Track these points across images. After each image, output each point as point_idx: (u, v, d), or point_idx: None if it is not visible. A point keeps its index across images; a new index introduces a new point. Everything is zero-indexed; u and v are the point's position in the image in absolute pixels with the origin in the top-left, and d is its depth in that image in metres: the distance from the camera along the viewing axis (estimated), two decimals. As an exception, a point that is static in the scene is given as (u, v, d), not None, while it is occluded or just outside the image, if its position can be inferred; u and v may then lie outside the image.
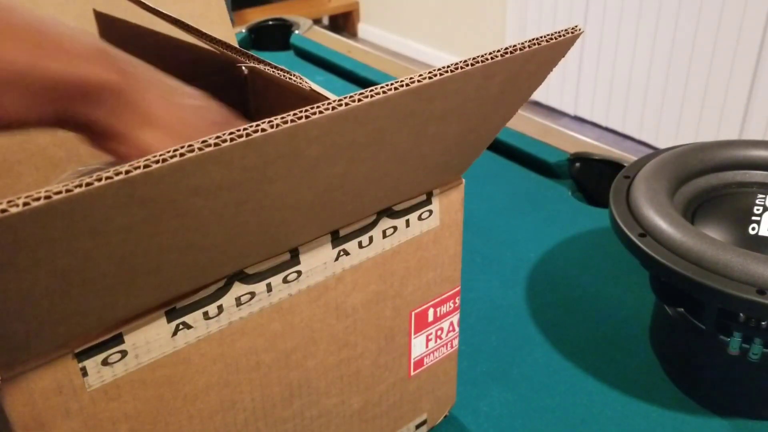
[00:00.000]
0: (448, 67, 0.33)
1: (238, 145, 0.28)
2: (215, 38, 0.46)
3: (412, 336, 0.48)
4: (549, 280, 0.70)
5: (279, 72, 0.42)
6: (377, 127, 0.33)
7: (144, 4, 0.52)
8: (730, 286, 0.46)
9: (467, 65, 0.34)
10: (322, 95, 0.41)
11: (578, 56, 2.73)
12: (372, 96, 0.31)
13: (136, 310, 0.33)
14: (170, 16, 0.49)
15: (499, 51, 0.35)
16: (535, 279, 0.70)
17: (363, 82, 1.15)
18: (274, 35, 1.35)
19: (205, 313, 0.36)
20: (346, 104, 0.30)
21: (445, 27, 3.51)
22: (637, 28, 2.51)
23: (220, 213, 0.31)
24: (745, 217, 0.57)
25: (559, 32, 0.37)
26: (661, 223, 0.51)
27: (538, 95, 2.90)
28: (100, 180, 0.25)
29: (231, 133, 0.27)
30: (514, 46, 0.35)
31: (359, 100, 0.31)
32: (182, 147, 0.26)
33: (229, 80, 0.57)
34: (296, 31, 1.33)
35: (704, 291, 0.47)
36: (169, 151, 0.26)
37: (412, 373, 0.50)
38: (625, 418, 0.54)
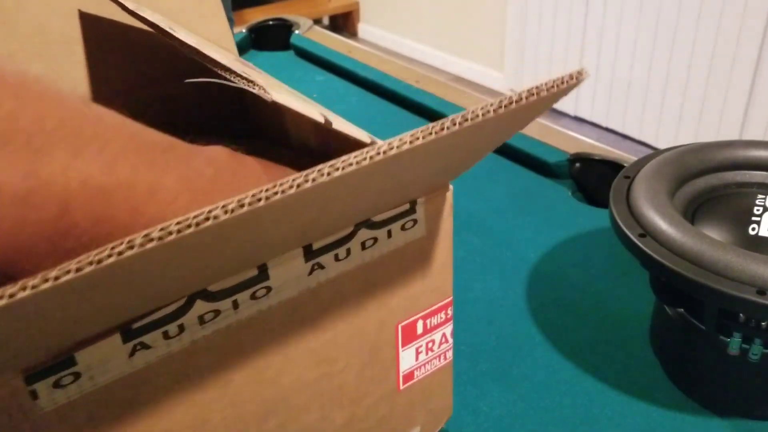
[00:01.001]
0: (434, 128, 0.31)
1: (198, 231, 0.26)
2: (185, 42, 0.43)
3: (400, 349, 0.46)
4: (549, 280, 0.70)
5: (243, 82, 0.39)
6: (349, 191, 0.32)
7: (123, 5, 0.50)
8: (730, 286, 0.46)
9: (455, 124, 0.31)
10: (284, 106, 0.38)
11: (578, 56, 2.73)
12: (342, 168, 0.28)
13: (88, 332, 0.31)
14: (148, 20, 0.47)
15: (492, 105, 0.32)
16: (535, 279, 0.70)
17: (363, 83, 1.15)
18: (274, 35, 1.35)
19: (165, 333, 0.34)
20: (313, 179, 0.28)
21: (445, 27, 3.51)
22: (638, 28, 2.51)
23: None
24: (745, 218, 0.57)
25: (561, 79, 0.34)
26: (661, 223, 0.51)
27: (538, 95, 2.90)
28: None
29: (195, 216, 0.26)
30: (510, 99, 0.33)
31: (328, 173, 0.28)
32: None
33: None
34: (296, 31, 1.33)
35: (704, 291, 0.47)
36: None
37: (402, 387, 0.48)
38: (625, 418, 0.54)
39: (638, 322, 0.63)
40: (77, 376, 0.32)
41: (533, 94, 0.33)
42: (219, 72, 0.41)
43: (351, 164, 0.29)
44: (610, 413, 0.54)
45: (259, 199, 0.27)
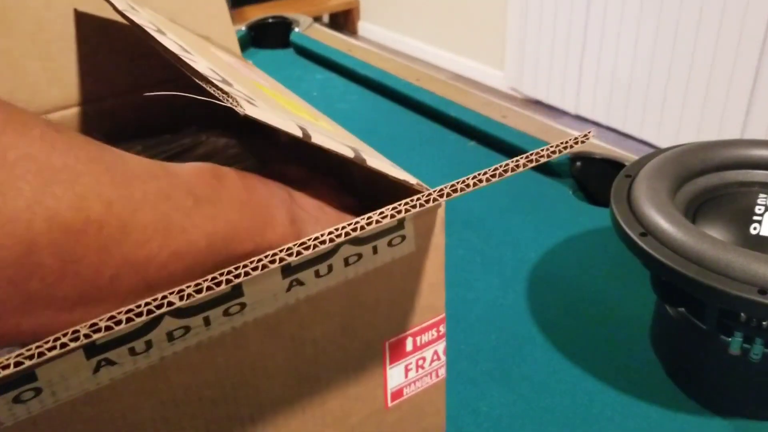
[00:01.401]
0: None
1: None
2: (168, 49, 0.41)
3: (388, 367, 0.44)
4: (549, 279, 0.70)
5: (218, 93, 0.37)
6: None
7: (114, 5, 0.49)
8: (732, 285, 0.46)
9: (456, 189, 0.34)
10: (258, 120, 0.36)
11: (579, 55, 2.72)
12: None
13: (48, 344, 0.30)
14: (135, 22, 0.45)
15: (497, 169, 0.34)
16: (536, 278, 0.70)
17: (363, 81, 1.15)
18: (273, 33, 1.34)
19: (131, 349, 0.32)
20: (263, 267, 0.30)
21: (445, 25, 3.51)
22: (639, 27, 2.50)
23: None
24: (747, 217, 0.56)
25: (566, 142, 0.35)
26: (662, 222, 0.51)
27: (538, 94, 2.89)
28: None
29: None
30: (506, 165, 0.35)
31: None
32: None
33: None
34: (296, 29, 1.33)
35: (705, 291, 0.47)
36: None
37: (390, 404, 0.46)
38: (626, 418, 0.54)
39: (639, 321, 0.63)
40: (38, 391, 0.31)
41: (532, 161, 0.34)
42: (198, 81, 0.39)
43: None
44: (611, 413, 0.54)
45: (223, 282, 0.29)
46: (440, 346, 0.46)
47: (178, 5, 0.61)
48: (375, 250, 0.38)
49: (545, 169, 0.89)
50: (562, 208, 0.81)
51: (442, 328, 0.46)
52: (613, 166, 0.84)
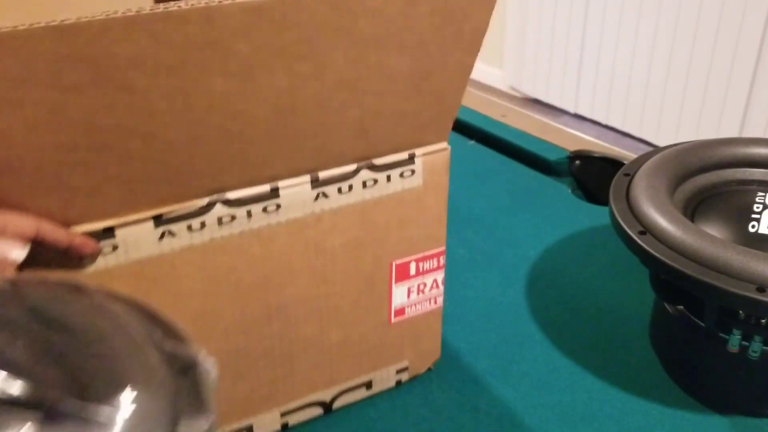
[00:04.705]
0: None
1: (159, 15, 0.31)
2: None
3: (393, 285, 0.51)
4: (549, 277, 0.70)
5: None
6: (304, 36, 0.36)
7: None
8: (730, 283, 0.46)
9: None
10: None
11: (578, 54, 2.72)
12: None
13: (122, 205, 0.39)
14: None
15: None
16: (535, 277, 0.70)
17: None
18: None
19: (189, 226, 0.41)
20: None
21: (445, 24, 3.49)
22: (638, 26, 2.50)
23: (168, 98, 0.35)
24: (745, 215, 0.56)
25: None
26: (661, 220, 0.51)
27: (538, 93, 2.90)
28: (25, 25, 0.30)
29: (151, 8, 0.32)
30: None
31: None
32: (105, 13, 0.31)
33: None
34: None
35: (704, 288, 0.47)
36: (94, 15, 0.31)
37: (393, 320, 0.53)
38: (625, 415, 0.54)
39: (638, 319, 0.63)
40: (115, 247, 0.40)
41: None
42: None
43: None
44: (610, 410, 0.54)
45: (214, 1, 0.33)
46: (439, 276, 0.53)
47: None
48: (389, 178, 0.47)
49: (545, 168, 0.89)
50: (561, 206, 0.82)
51: (442, 260, 0.53)
52: (612, 164, 0.84)
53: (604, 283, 0.69)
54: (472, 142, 0.97)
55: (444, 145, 0.48)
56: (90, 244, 0.39)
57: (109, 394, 0.23)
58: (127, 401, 0.23)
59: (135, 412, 0.23)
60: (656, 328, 0.60)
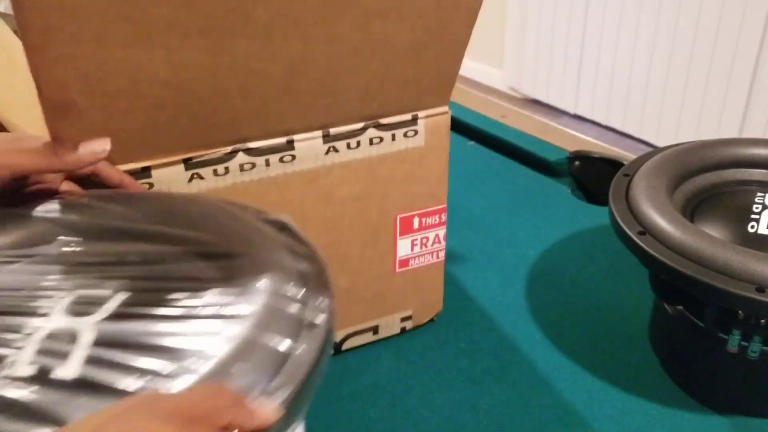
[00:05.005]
0: None
1: None
2: None
3: (398, 237, 0.56)
4: (548, 278, 0.70)
5: None
6: (316, 5, 0.40)
7: None
8: (730, 284, 0.46)
9: None
10: None
11: (578, 54, 2.72)
12: None
13: (157, 148, 0.44)
14: None
15: None
16: (535, 277, 0.70)
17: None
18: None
19: (215, 171, 0.46)
20: None
21: (444, 25, 3.49)
22: (637, 26, 2.50)
23: (197, 55, 0.39)
24: (745, 215, 0.56)
25: None
26: (660, 221, 0.51)
27: (537, 93, 2.90)
28: None
29: None
30: None
31: None
32: None
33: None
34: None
35: (703, 289, 0.47)
36: None
37: (398, 270, 0.57)
38: (624, 415, 0.54)
39: (637, 320, 0.63)
40: (151, 186, 0.44)
41: None
42: None
43: None
44: (609, 410, 0.54)
45: None
46: (441, 232, 0.58)
47: None
48: (393, 137, 0.51)
49: (544, 169, 0.89)
50: (560, 207, 0.82)
51: (444, 217, 0.57)
52: (611, 165, 0.84)
53: (604, 283, 0.69)
54: (472, 143, 0.97)
55: (445, 108, 0.52)
56: (136, 184, 0.43)
57: (251, 281, 0.32)
58: (265, 284, 0.31)
59: (271, 294, 0.31)
60: (656, 329, 0.60)
